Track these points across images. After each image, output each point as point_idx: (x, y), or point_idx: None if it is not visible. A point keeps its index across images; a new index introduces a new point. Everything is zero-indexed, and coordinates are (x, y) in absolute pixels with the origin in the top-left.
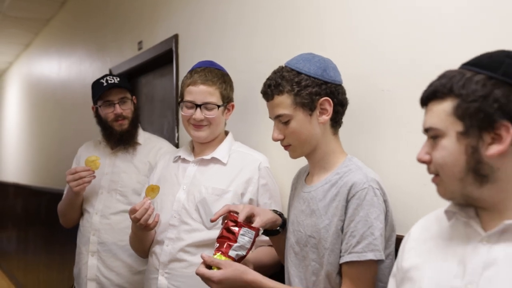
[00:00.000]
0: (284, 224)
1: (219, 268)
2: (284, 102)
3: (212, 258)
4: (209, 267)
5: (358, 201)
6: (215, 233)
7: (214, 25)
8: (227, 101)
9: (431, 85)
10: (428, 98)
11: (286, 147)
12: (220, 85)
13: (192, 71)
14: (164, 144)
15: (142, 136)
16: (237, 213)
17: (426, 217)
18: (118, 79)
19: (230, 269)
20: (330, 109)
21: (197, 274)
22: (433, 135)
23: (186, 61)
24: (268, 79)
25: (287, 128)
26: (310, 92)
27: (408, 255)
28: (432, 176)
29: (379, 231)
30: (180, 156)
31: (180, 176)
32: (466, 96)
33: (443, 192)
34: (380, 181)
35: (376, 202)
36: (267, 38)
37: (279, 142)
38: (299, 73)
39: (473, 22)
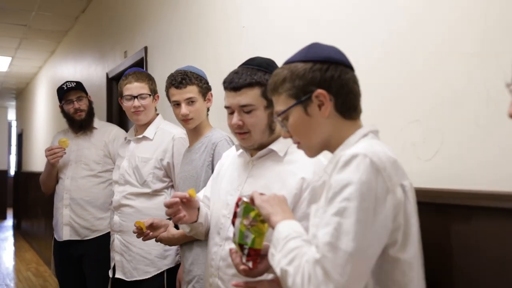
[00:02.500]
0: None
1: None
2: (193, 90)
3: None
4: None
5: (219, 148)
6: (146, 188)
7: (171, 39)
8: (153, 93)
9: (239, 77)
10: (243, 86)
11: (189, 120)
12: (148, 81)
13: (126, 75)
14: (114, 128)
15: (97, 123)
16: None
17: (230, 150)
18: (75, 83)
19: None
20: (212, 98)
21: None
22: (248, 109)
23: (153, 68)
24: (177, 76)
25: (193, 107)
26: (205, 87)
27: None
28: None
29: None
30: (126, 138)
31: (125, 151)
32: (266, 85)
33: (250, 142)
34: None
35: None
36: (201, 51)
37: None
38: (198, 75)
39: None
